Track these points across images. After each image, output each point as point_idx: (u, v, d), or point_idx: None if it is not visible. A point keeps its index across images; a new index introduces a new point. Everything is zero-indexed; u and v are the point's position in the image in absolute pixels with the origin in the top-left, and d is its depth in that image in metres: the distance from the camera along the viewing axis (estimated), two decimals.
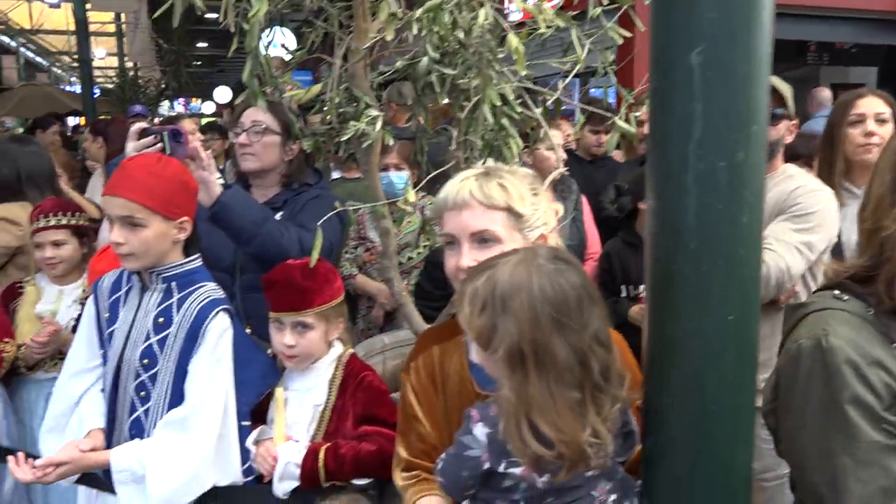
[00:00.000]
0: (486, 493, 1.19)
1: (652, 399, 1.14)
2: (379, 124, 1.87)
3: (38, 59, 23.71)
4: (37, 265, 2.48)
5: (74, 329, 2.16)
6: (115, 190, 1.64)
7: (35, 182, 2.74)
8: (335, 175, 3.62)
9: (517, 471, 1.14)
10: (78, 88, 15.03)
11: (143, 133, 1.89)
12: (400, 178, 2.90)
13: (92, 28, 10.60)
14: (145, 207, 1.62)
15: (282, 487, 1.63)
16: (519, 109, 1.74)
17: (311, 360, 1.75)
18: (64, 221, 2.42)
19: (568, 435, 1.08)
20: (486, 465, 1.15)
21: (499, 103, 1.61)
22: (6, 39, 19.02)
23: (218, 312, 1.67)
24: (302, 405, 1.74)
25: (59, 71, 26.76)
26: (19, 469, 1.57)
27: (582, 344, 1.10)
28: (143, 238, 1.63)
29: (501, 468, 1.15)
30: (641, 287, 2.66)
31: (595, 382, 1.11)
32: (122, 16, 13.39)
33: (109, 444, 1.72)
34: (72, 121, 12.30)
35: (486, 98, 1.59)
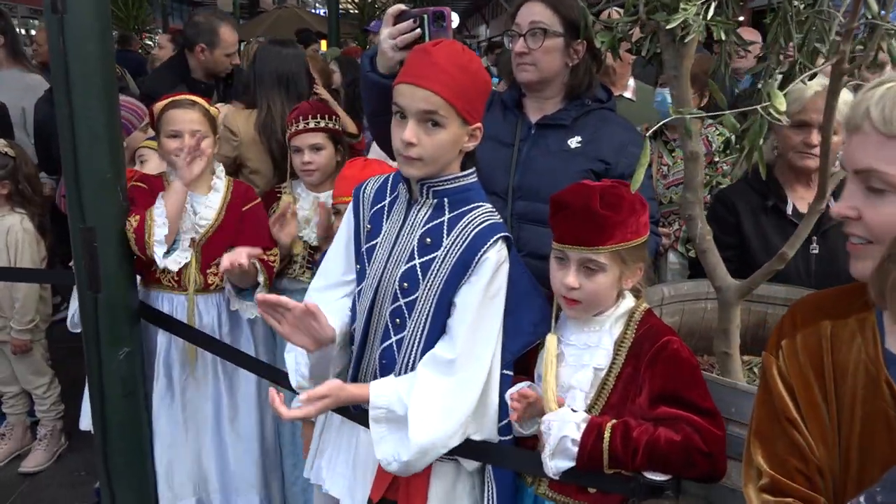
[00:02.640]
0: None
1: None
2: (711, 11, 1.42)
3: None
4: (293, 172, 2.37)
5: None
6: (418, 80, 1.35)
7: (277, 81, 2.60)
8: None
9: None
10: (322, 11, 15.69)
11: (400, 17, 1.57)
12: None
13: None
14: (451, 105, 1.34)
15: (554, 465, 1.31)
16: None
17: (596, 310, 1.39)
18: (322, 124, 2.29)
19: None
20: None
21: None
22: None
23: (497, 240, 1.37)
24: (579, 365, 1.40)
25: None
26: (281, 407, 1.39)
27: None
28: (438, 141, 1.36)
29: None
30: None
31: None
32: None
33: (357, 369, 1.53)
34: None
35: None
